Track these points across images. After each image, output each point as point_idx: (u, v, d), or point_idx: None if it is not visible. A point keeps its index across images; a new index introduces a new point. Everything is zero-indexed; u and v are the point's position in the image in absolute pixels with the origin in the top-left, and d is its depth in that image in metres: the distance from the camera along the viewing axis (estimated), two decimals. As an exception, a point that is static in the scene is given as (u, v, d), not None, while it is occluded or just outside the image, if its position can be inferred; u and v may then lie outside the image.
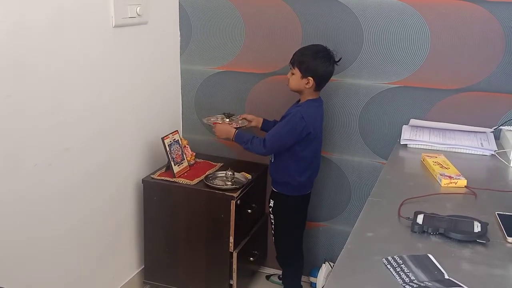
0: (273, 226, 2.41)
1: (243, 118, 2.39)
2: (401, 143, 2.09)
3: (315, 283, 2.62)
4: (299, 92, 2.20)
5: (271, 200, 2.37)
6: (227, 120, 2.35)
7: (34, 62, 1.78)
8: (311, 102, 2.19)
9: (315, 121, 2.20)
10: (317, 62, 2.12)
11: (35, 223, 1.89)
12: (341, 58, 2.20)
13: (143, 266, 2.57)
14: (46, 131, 1.87)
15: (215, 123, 2.33)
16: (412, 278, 1.10)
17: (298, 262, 2.47)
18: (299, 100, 2.24)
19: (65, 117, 1.95)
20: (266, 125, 2.39)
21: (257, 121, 2.40)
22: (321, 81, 2.16)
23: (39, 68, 1.80)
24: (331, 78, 2.20)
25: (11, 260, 1.81)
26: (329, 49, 2.15)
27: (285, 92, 2.28)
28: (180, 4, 2.61)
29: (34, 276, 1.92)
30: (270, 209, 2.38)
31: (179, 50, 2.67)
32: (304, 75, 2.13)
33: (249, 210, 2.42)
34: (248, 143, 2.20)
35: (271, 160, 2.30)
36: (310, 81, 2.13)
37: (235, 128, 2.27)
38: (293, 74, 2.16)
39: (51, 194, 1.94)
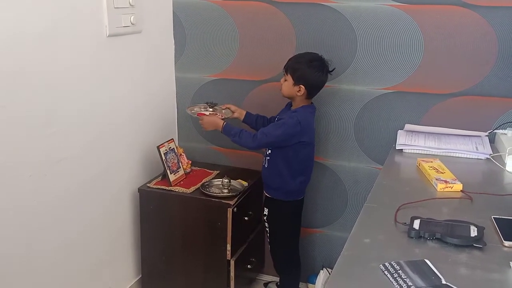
0: (268, 235, 2.41)
1: (226, 108, 2.39)
2: (397, 148, 2.09)
3: (313, 290, 2.62)
4: (291, 98, 2.21)
5: (265, 209, 2.36)
6: (211, 110, 2.35)
7: (28, 72, 1.78)
8: (306, 108, 2.19)
9: (310, 127, 2.21)
10: (310, 71, 2.12)
11: (31, 234, 1.88)
12: (335, 68, 2.20)
13: (140, 276, 2.55)
14: (40, 141, 1.87)
15: (201, 114, 2.32)
16: (410, 284, 1.10)
17: (295, 269, 2.46)
18: (290, 104, 2.25)
19: (60, 127, 1.95)
20: (249, 119, 2.39)
21: (240, 113, 2.39)
22: (312, 89, 2.17)
23: (32, 78, 1.80)
24: (326, 84, 2.21)
25: (7, 272, 1.80)
26: (323, 58, 2.15)
27: (280, 99, 2.28)
28: (174, 13, 2.62)
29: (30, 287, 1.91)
30: (265, 218, 2.37)
31: (173, 59, 2.68)
32: (296, 83, 2.13)
33: (246, 218, 2.41)
34: (236, 136, 2.19)
35: (264, 165, 2.30)
36: (301, 89, 2.13)
37: (222, 119, 2.26)
38: (285, 80, 2.17)
39: (47, 205, 1.93)
